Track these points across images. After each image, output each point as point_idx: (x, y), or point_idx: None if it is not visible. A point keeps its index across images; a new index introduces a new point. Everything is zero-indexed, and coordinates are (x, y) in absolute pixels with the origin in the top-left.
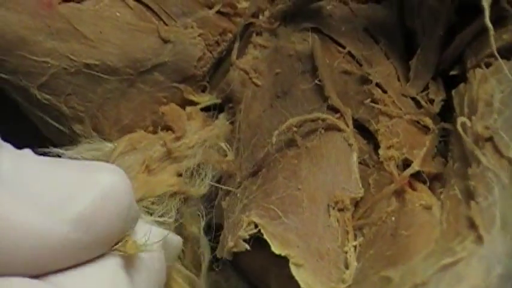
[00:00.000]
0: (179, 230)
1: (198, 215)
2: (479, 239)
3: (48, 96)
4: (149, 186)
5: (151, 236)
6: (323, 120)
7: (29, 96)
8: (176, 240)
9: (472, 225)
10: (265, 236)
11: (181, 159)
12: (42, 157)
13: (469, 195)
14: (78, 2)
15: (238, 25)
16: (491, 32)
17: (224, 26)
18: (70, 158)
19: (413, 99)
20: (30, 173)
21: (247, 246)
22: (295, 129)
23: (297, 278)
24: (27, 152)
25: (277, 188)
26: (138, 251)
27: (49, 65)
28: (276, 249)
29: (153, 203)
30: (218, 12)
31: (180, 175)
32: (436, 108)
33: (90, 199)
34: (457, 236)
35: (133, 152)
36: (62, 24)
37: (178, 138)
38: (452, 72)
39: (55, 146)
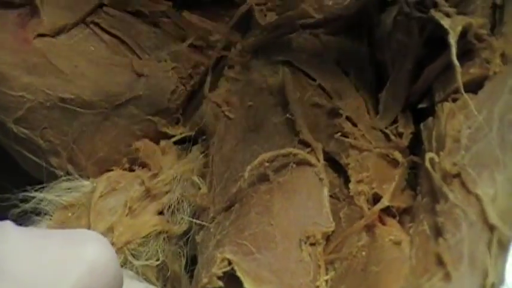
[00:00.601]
0: (161, 268)
1: (180, 253)
2: (447, 276)
3: (24, 130)
4: (134, 229)
5: None
6: (294, 155)
7: (5, 130)
8: None
9: (440, 262)
10: (238, 273)
11: (160, 196)
12: (22, 231)
13: (438, 231)
14: (53, 37)
15: (210, 58)
16: (458, 69)
17: (196, 59)
18: (50, 201)
19: (382, 132)
20: (13, 254)
21: (221, 284)
22: (267, 164)
23: None
24: (7, 225)
25: (249, 223)
26: None
27: (25, 99)
28: (249, 286)
29: (139, 245)
30: (191, 45)
31: (160, 213)
32: (405, 141)
33: (77, 277)
34: (425, 272)
35: (114, 193)
36: (37, 59)
37: (155, 175)
38: (421, 105)
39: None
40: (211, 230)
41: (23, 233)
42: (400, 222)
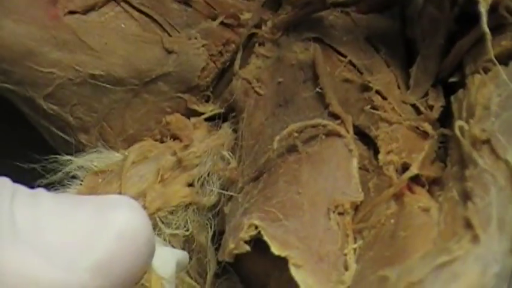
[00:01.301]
0: (187, 239)
1: (207, 224)
2: (476, 238)
3: (54, 107)
4: (165, 197)
5: (167, 259)
6: (324, 126)
7: (35, 106)
8: (184, 257)
9: (469, 225)
10: (265, 238)
11: (191, 167)
12: (55, 197)
13: (466, 196)
14: (84, 14)
15: (241, 35)
16: (489, 36)
17: (227, 36)
18: (81, 166)
19: (413, 106)
20: (45, 220)
21: (248, 248)
22: (296, 134)
23: (297, 278)
24: (41, 192)
25: (277, 191)
26: (162, 285)
27: (55, 75)
28: (275, 250)
29: (170, 213)
30: (221, 23)
31: (190, 185)
32: (435, 114)
33: (106, 244)
34: (454, 235)
35: (145, 161)
36: (67, 36)
37: (186, 147)
38: (452, 79)
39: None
40: (239, 200)
41: (55, 199)
42: (430, 192)
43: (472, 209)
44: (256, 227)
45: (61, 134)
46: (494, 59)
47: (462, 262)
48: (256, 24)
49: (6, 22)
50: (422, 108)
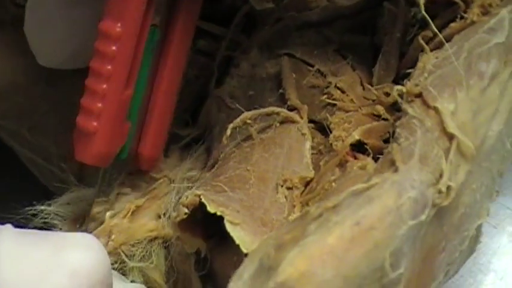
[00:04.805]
0: (169, 270)
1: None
2: (395, 170)
3: (37, 137)
4: (130, 232)
5: None
6: (277, 113)
7: (21, 139)
8: None
9: (392, 163)
10: (203, 200)
11: (160, 197)
12: (18, 235)
13: (394, 141)
14: None
15: (216, 58)
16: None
17: (203, 61)
18: (57, 212)
19: (374, 101)
20: (3, 260)
21: (186, 210)
22: (249, 121)
23: (232, 234)
24: (6, 229)
25: (227, 170)
26: None
27: (38, 106)
28: (211, 208)
29: (133, 245)
30: (198, 50)
31: (159, 217)
32: (390, 99)
33: (59, 283)
34: (378, 174)
35: (118, 198)
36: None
37: (155, 179)
38: (409, 70)
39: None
40: (194, 187)
41: (16, 238)
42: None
43: (396, 149)
44: (199, 197)
45: (46, 164)
46: (425, 14)
47: (378, 187)
48: (231, 46)
49: None
50: (376, 93)
